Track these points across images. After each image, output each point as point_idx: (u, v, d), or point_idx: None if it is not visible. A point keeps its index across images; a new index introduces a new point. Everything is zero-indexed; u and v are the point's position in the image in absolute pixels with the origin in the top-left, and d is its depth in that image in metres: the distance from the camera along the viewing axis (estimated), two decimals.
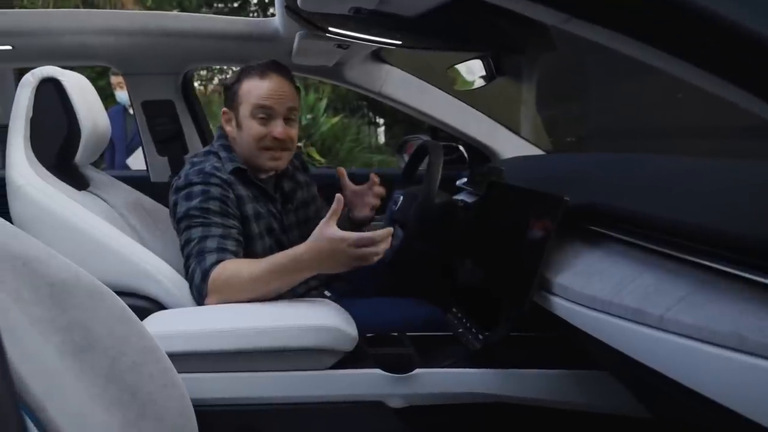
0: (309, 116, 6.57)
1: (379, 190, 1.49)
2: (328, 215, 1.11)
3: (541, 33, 1.03)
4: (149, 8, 8.19)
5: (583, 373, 1.09)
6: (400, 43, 1.21)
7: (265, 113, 1.33)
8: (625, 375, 0.94)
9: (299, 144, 6.36)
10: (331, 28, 1.16)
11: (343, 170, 1.50)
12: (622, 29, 0.42)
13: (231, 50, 1.72)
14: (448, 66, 1.60)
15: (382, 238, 1.09)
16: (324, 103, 6.80)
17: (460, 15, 0.97)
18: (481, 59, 1.35)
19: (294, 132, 1.38)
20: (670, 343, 0.62)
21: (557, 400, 1.09)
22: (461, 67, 1.52)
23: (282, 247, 1.41)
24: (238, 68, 1.39)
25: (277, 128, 1.33)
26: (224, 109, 1.40)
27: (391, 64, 1.89)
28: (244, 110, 1.34)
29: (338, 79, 1.87)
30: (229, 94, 1.37)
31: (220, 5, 10.32)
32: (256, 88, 1.33)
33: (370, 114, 8.57)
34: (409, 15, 0.94)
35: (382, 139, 8.77)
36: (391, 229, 1.13)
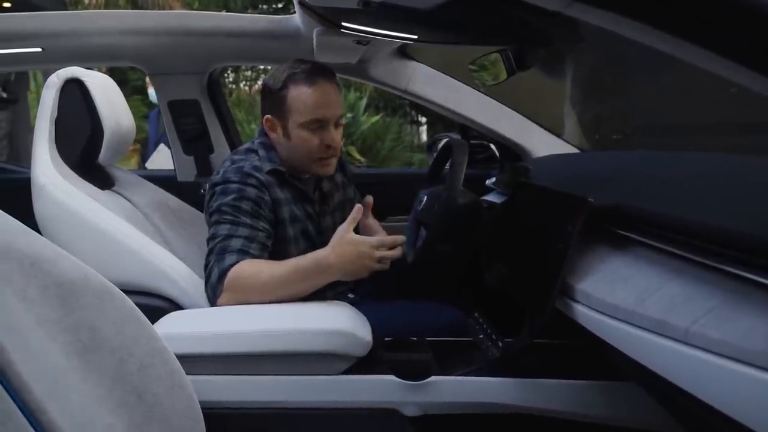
0: (349, 115, 6.58)
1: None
2: (347, 222, 1.15)
3: (567, 24, 0.98)
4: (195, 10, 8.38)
5: (608, 384, 1.03)
6: (416, 37, 1.18)
7: (318, 124, 1.30)
8: (652, 388, 0.88)
9: None
10: (344, 23, 1.14)
11: (370, 200, 1.44)
12: (624, 12, 0.38)
13: (255, 48, 1.72)
14: (471, 60, 1.56)
15: (400, 242, 1.15)
16: (364, 102, 6.79)
17: (474, 6, 0.93)
18: (501, 53, 1.31)
19: (341, 135, 1.36)
20: (695, 359, 0.57)
21: (581, 412, 1.04)
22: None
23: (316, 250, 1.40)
24: (276, 70, 1.35)
25: (329, 135, 1.31)
26: (267, 116, 1.35)
27: (418, 61, 1.85)
28: (295, 121, 1.30)
29: (364, 77, 1.84)
30: (274, 101, 1.32)
31: (264, 6, 10.44)
32: (306, 98, 1.28)
33: (413, 113, 8.52)
34: (420, 7, 0.90)
35: (424, 137, 8.71)
36: (403, 237, 1.17)
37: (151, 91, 3.51)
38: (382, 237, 1.15)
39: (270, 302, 1.15)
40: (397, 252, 1.14)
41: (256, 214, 1.26)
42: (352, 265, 1.13)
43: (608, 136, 2.26)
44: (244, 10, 9.51)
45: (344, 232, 1.14)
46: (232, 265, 1.16)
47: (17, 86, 6.51)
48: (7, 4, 6.75)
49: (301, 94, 1.28)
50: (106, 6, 7.94)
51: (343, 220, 1.48)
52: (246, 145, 1.41)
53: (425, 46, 1.80)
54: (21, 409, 0.57)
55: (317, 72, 1.30)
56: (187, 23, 1.68)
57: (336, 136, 1.33)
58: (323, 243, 1.41)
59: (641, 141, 2.12)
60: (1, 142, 6.58)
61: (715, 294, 0.61)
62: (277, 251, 1.29)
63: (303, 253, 1.35)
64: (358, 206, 1.17)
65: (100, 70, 1.51)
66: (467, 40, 1.23)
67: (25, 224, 0.68)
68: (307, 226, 1.38)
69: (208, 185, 1.33)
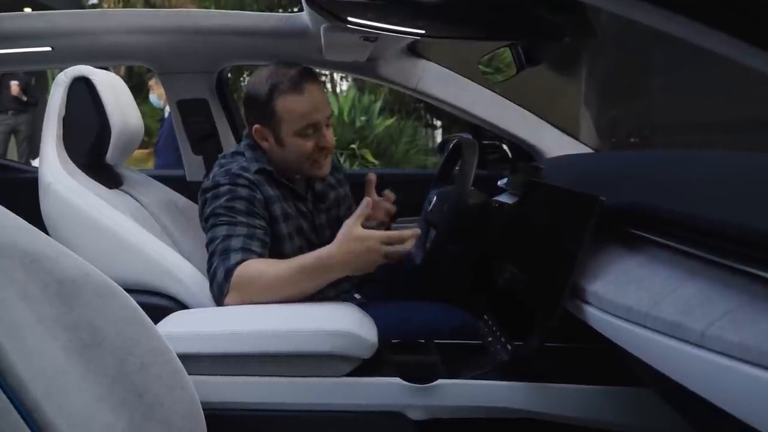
0: (363, 118, 6.59)
1: (389, 207, 1.45)
2: (354, 216, 1.13)
3: (576, 15, 0.96)
4: None
5: (622, 390, 1.00)
6: (423, 32, 1.16)
7: (313, 129, 1.30)
8: (667, 393, 0.85)
9: (353, 146, 6.44)
10: (350, 18, 1.13)
11: (372, 178, 1.45)
12: None
13: (264, 47, 1.71)
14: (480, 57, 1.53)
15: (409, 237, 1.11)
16: (378, 105, 6.80)
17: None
18: (511, 48, 1.28)
19: (332, 134, 1.36)
20: (712, 363, 0.54)
21: (593, 418, 1.00)
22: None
23: (312, 247, 1.38)
24: (258, 78, 1.32)
25: (324, 138, 1.32)
26: (256, 126, 1.33)
27: (429, 59, 1.83)
28: (288, 129, 1.29)
29: (373, 76, 1.82)
30: (263, 111, 1.30)
31: (279, 10, 10.47)
32: (297, 105, 1.27)
33: (427, 116, 8.50)
34: (427, 1, 0.89)
35: (439, 141, 8.71)
36: (418, 231, 1.14)
37: (153, 97, 3.59)
38: (389, 233, 1.12)
39: (276, 301, 1.13)
40: (405, 246, 1.11)
41: (251, 212, 1.25)
42: (357, 260, 1.11)
43: (626, 136, 2.22)
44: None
45: (351, 226, 1.11)
46: (238, 263, 1.15)
47: (37, 90, 6.62)
48: (27, 9, 6.87)
49: (290, 103, 1.28)
50: (125, 5, 8.02)
51: (338, 217, 1.48)
52: (232, 149, 1.41)
53: (435, 43, 1.78)
54: (17, 408, 0.57)
55: (302, 77, 1.29)
56: (195, 22, 1.68)
57: (329, 136, 1.33)
58: (319, 239, 1.41)
59: (661, 140, 2.08)
60: (22, 145, 6.70)
61: (733, 296, 0.59)
62: (272, 249, 1.28)
63: (298, 250, 1.34)
64: (366, 200, 1.14)
65: (117, 71, 1.50)
66: (475, 34, 1.21)
67: (31, 223, 0.67)
68: (301, 223, 1.37)
69: (199, 192, 1.32)
